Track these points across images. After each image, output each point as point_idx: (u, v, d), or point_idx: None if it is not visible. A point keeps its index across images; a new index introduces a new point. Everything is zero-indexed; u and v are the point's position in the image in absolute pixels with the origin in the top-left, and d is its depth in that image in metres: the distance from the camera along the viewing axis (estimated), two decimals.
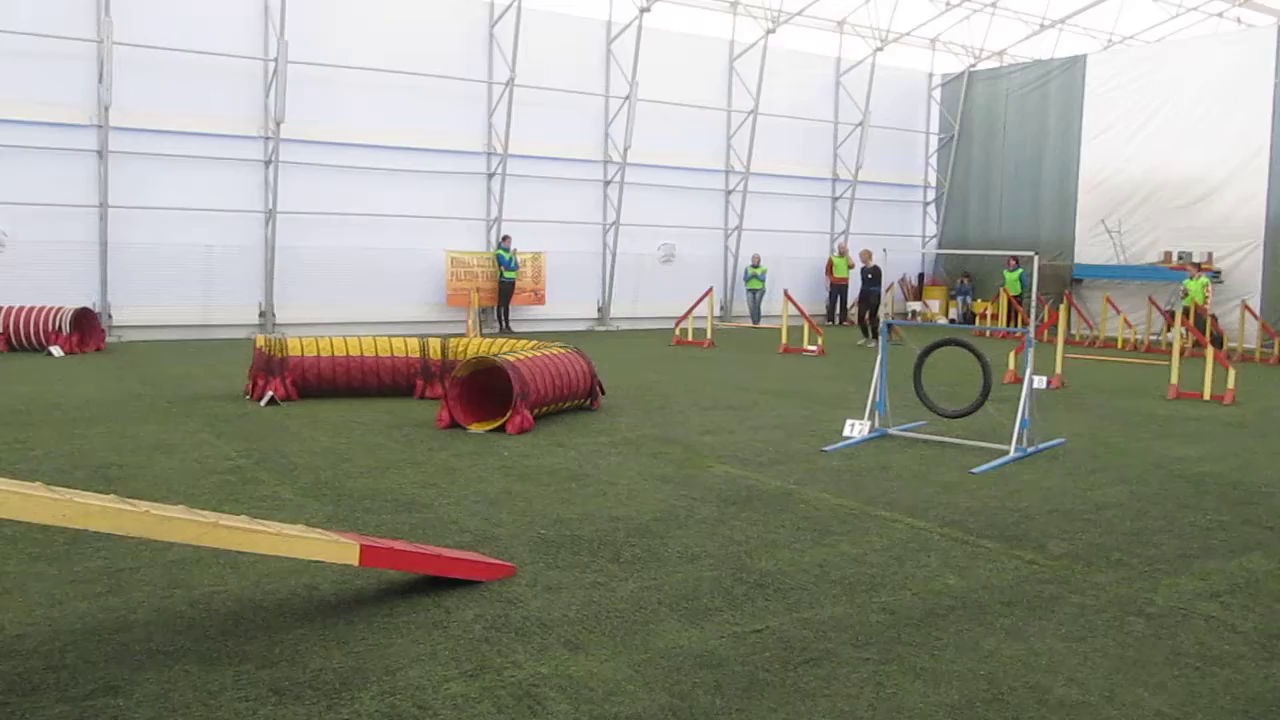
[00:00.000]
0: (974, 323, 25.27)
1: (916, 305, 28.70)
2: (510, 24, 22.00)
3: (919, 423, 10.35)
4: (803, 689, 4.09)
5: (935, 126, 30.11)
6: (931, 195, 30.44)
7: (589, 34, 23.80)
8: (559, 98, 23.09)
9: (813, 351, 18.57)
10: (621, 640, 4.56)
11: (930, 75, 29.89)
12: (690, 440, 9.59)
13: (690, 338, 20.23)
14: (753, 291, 26.21)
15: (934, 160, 30.22)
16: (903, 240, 29.55)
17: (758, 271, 26.06)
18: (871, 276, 20.74)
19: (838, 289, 26.76)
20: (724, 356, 18.03)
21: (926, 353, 10.22)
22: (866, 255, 21.06)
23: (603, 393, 11.45)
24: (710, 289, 20.96)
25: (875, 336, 16.43)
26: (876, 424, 9.94)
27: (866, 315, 20.77)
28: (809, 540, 6.28)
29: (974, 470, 8.49)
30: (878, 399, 9.96)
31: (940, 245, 29.58)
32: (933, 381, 10.58)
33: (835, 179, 28.38)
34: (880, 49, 27.69)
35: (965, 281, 27.90)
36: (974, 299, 27.45)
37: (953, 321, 27.00)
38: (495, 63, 22.44)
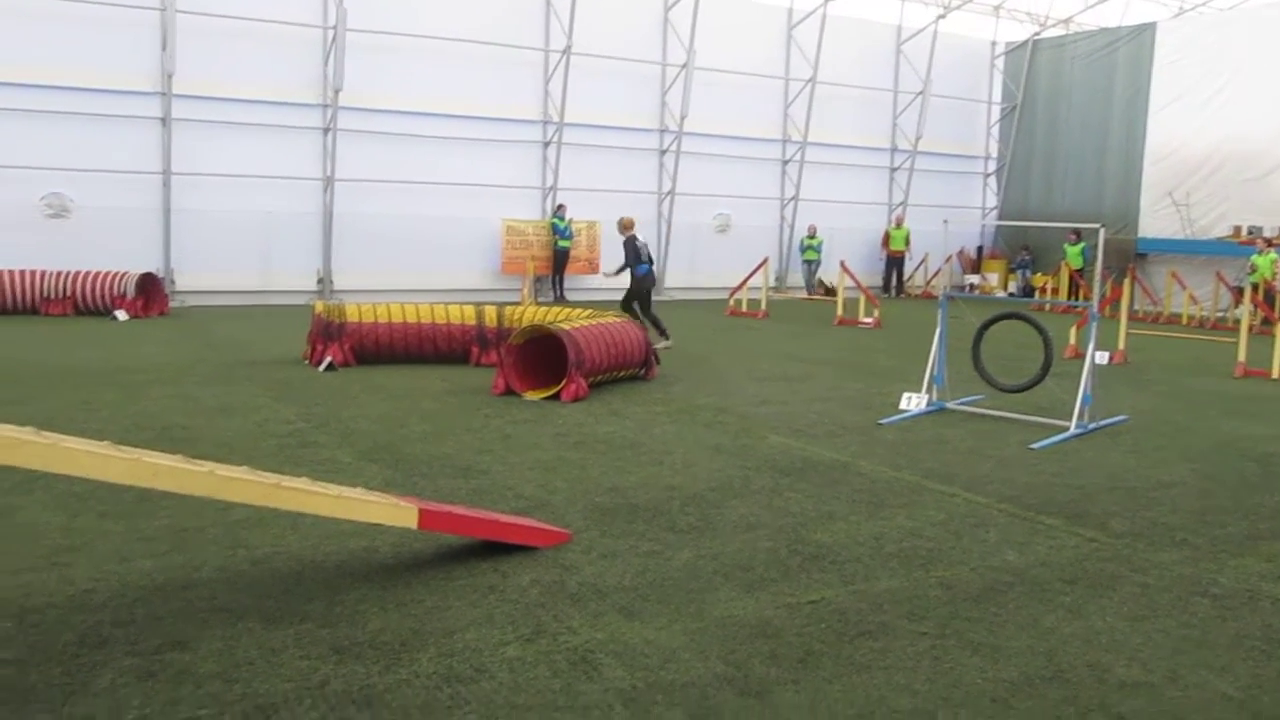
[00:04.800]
0: (1033, 296, 24.86)
1: (975, 278, 28.31)
2: None
3: (977, 396, 10.23)
4: (858, 661, 4.07)
5: (998, 96, 29.51)
6: (992, 166, 29.91)
7: (646, 1, 23.62)
8: (616, 66, 22.96)
9: (869, 324, 18.40)
10: (676, 608, 4.56)
11: (993, 43, 29.27)
12: (745, 411, 9.56)
13: (745, 308, 20.14)
14: (808, 263, 26.00)
15: (995, 130, 29.66)
16: (962, 212, 29.10)
17: (813, 242, 25.83)
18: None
19: (894, 261, 26.45)
20: (778, 328, 17.92)
21: (986, 326, 10.08)
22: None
23: (658, 362, 11.44)
24: (765, 259, 20.83)
25: None
26: (934, 398, 9.83)
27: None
28: (865, 513, 6.24)
29: (1033, 446, 8.37)
30: (935, 372, 9.84)
31: (1000, 217, 29.08)
32: (992, 355, 10.44)
33: (894, 149, 27.96)
34: (943, 16, 27.17)
35: (1025, 255, 27.43)
36: (1034, 272, 26.98)
37: (1012, 295, 26.59)
38: (552, 30, 22.37)
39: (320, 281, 20.47)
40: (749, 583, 4.93)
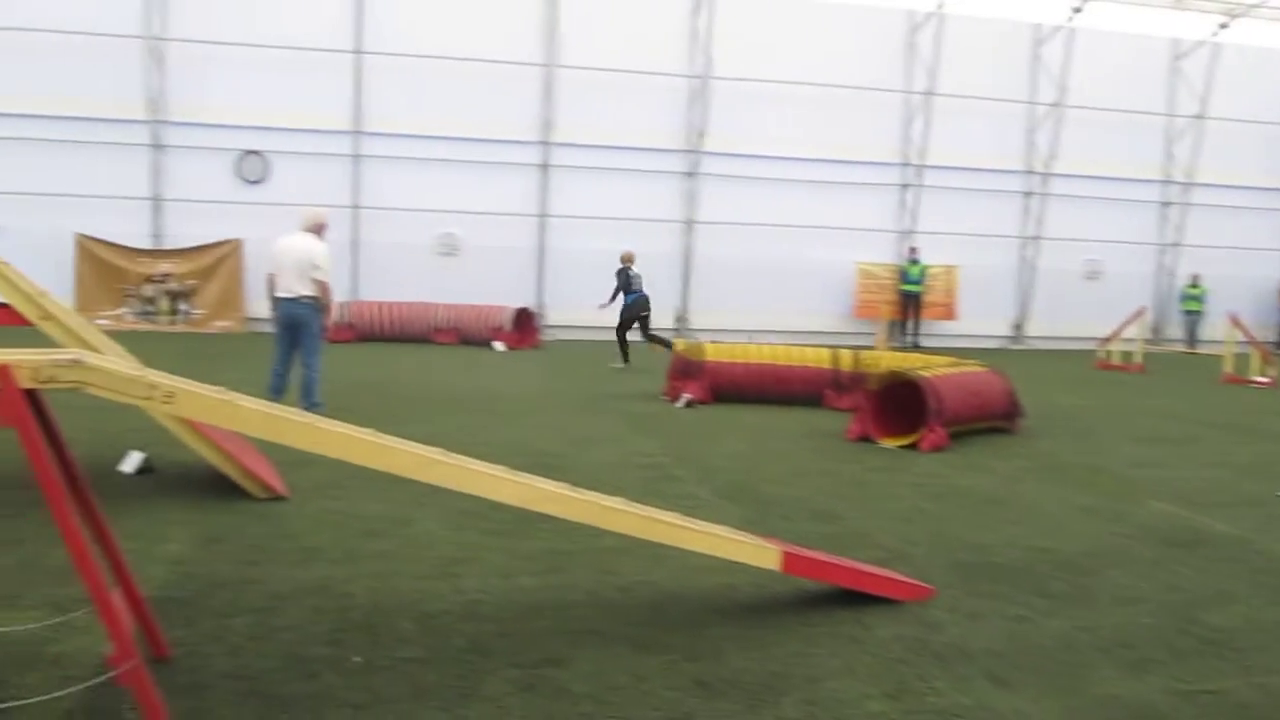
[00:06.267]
0: None
1: None
2: (930, 32, 21.55)
3: None
4: None
5: None
6: None
7: (1013, 38, 22.78)
8: (978, 105, 22.29)
9: (1264, 383, 16.58)
10: (1049, 681, 4.27)
11: None
12: (1121, 472, 8.87)
13: (1117, 361, 18.75)
14: (1189, 313, 23.86)
15: None
16: None
17: (1196, 292, 23.71)
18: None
19: None
20: (1155, 384, 16.54)
21: None
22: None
23: (1022, 415, 10.88)
24: (1141, 308, 19.35)
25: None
26: None
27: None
28: (1268, 597, 5.57)
29: None
30: None
31: None
32: None
33: None
34: None
35: None
36: None
37: None
38: (914, 71, 22.07)
39: (678, 320, 21.22)
40: (1132, 662, 4.53)
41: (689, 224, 21.19)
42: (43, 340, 5.52)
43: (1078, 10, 22.13)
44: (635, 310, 15.50)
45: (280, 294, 9.64)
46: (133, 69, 19.32)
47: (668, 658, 4.30)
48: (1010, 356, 20.50)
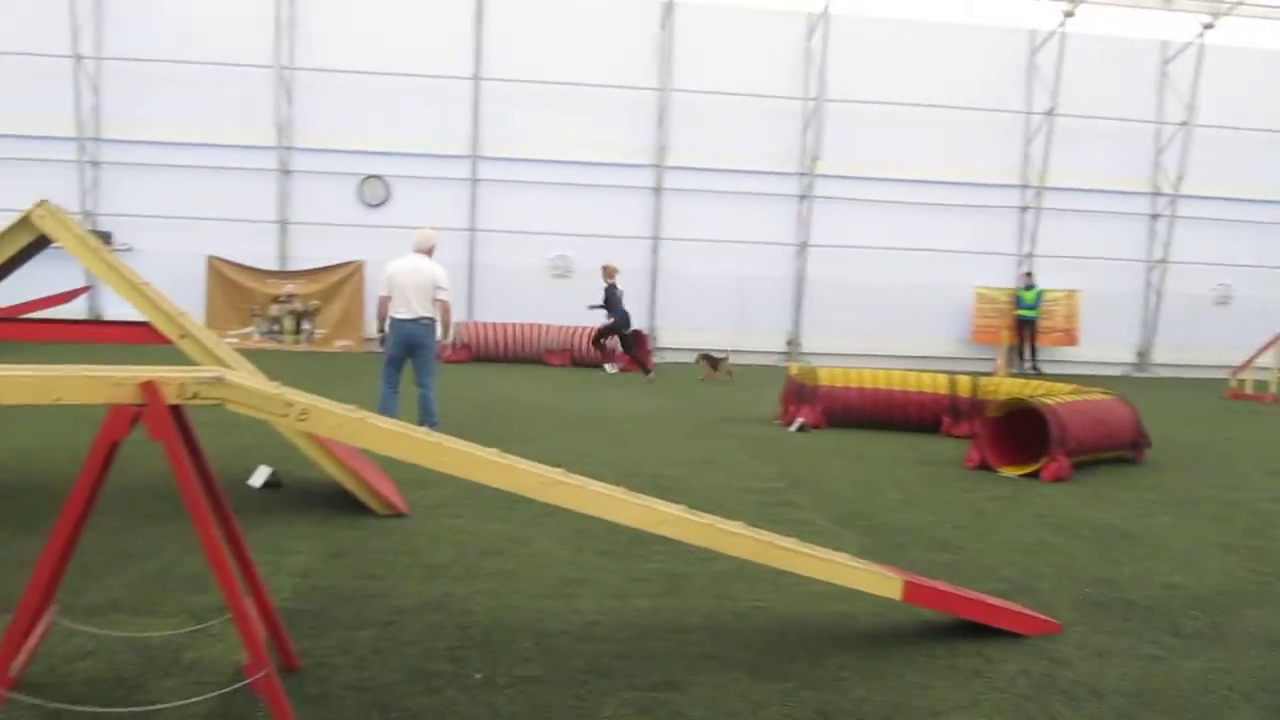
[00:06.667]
0: None
1: None
2: (1052, 51, 21.09)
3: None
4: None
5: None
6: None
7: (1140, 56, 22.11)
8: (1102, 125, 21.69)
9: None
10: None
11: None
12: (1259, 507, 8.48)
13: (1249, 390, 17.97)
14: None
15: None
16: None
17: None
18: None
19: None
20: None
21: None
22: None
23: (1148, 445, 10.50)
24: (1277, 335, 18.53)
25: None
26: None
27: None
28: None
29: None
30: None
31: None
32: None
33: None
34: None
35: None
36: None
37: None
38: (1034, 91, 21.60)
39: (789, 343, 21.09)
40: (1277, 708, 4.31)
41: (802, 247, 21.06)
42: (176, 358, 5.75)
43: (1208, 27, 21.39)
44: (620, 327, 16.43)
45: (400, 315, 9.77)
46: (263, 98, 20.12)
47: (785, 685, 4.25)
48: (1135, 384, 19.83)
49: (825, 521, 7.25)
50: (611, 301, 16.08)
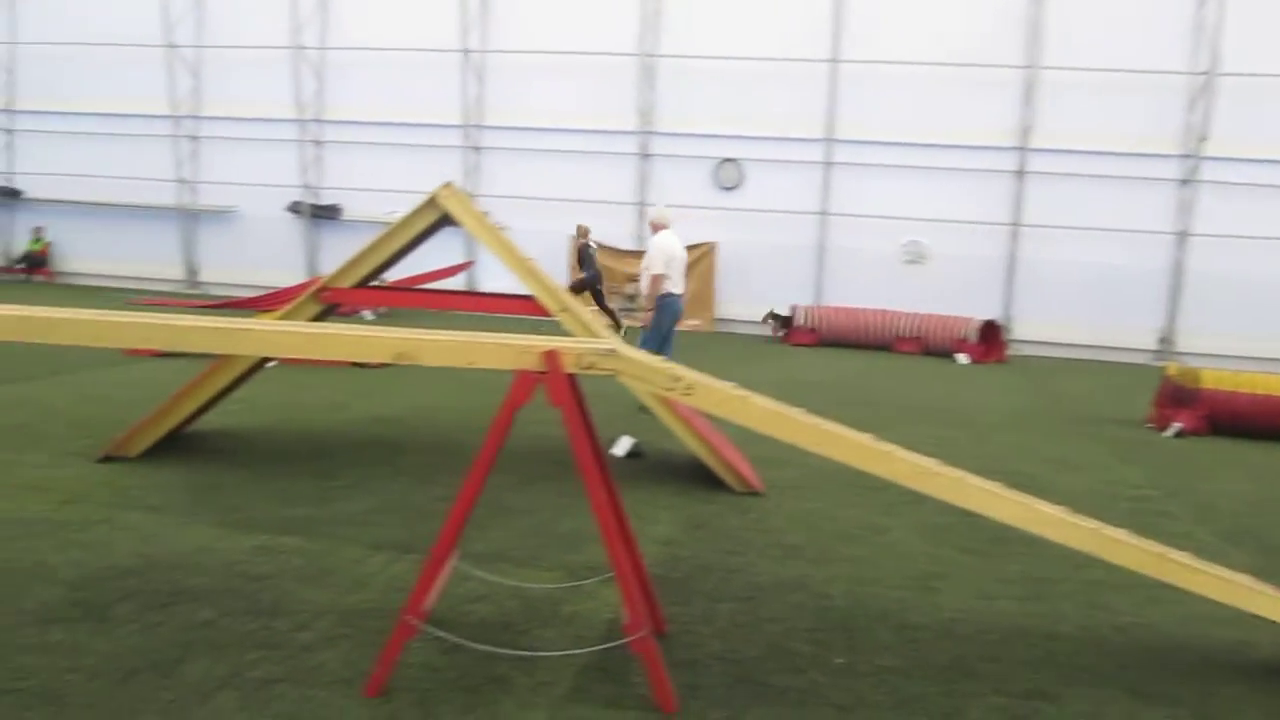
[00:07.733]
0: None
1: None
2: None
3: None
4: None
5: None
6: None
7: None
8: None
9: None
10: None
11: None
12: None
13: None
14: None
15: None
16: None
17: None
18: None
19: None
20: None
21: None
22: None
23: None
24: None
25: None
26: None
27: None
28: None
29: None
30: None
31: None
32: None
33: None
34: None
35: None
36: None
37: None
38: None
39: (1161, 342, 19.43)
40: None
41: (1181, 236, 19.26)
42: (519, 330, 6.12)
43: None
44: (590, 283, 16.49)
45: (677, 291, 10.45)
46: (628, 84, 21.03)
47: (1173, 710, 3.94)
48: None
49: (1209, 537, 6.63)
50: (585, 259, 16.72)
